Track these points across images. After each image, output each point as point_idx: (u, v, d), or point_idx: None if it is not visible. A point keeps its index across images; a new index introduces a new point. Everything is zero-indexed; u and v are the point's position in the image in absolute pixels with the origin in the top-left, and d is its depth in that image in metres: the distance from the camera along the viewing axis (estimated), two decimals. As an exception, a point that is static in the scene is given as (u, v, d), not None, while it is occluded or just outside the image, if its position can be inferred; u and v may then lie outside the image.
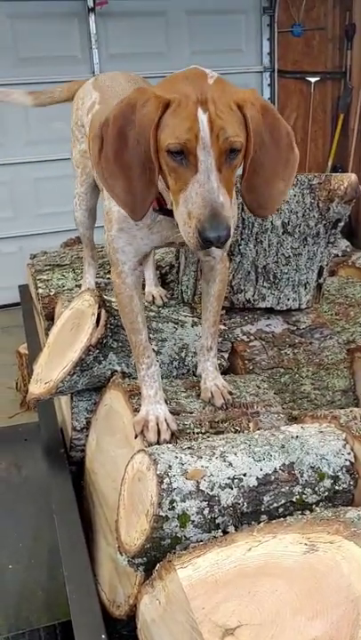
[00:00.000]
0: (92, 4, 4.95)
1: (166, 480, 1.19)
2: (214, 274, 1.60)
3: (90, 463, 1.83)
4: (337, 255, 2.90)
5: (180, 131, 1.14)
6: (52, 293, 2.37)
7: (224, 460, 1.26)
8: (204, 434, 1.52)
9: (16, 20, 4.89)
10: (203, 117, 1.13)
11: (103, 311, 1.72)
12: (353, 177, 1.95)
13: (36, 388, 1.81)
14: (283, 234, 1.92)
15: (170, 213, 1.36)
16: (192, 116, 1.14)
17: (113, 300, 1.85)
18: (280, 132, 1.27)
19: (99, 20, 5.05)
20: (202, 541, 1.19)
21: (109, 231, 1.46)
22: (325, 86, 6.09)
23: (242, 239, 1.92)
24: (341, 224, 2.01)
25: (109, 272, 2.50)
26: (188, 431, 1.51)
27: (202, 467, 1.23)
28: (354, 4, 5.72)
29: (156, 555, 1.19)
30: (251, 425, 1.56)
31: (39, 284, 2.41)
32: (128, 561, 1.23)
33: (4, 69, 4.92)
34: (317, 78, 5.97)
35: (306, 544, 1.08)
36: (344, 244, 3.08)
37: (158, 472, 1.20)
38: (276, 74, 5.75)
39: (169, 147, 1.15)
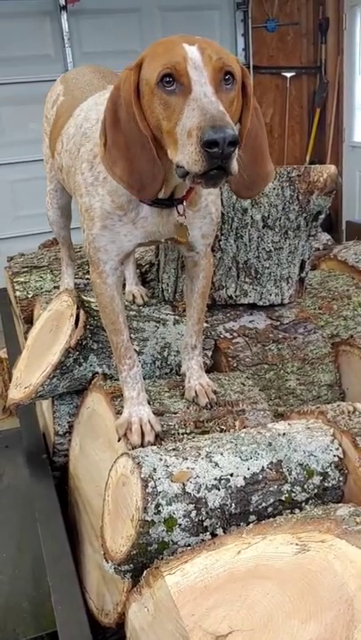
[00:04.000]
0: (63, 2, 4.89)
1: (151, 483, 1.15)
2: (198, 270, 1.56)
3: (73, 468, 1.78)
4: (318, 249, 2.87)
5: (165, 58, 1.08)
6: (30, 296, 2.32)
7: (210, 461, 1.22)
8: (189, 434, 1.48)
9: (-14, 19, 4.82)
10: (190, 47, 1.08)
11: (82, 312, 1.68)
12: (332, 168, 1.93)
13: (16, 393, 1.76)
14: (263, 228, 1.89)
15: (157, 203, 1.31)
16: (177, 47, 1.08)
17: (92, 300, 1.81)
18: (261, 119, 1.26)
19: (71, 18, 4.99)
20: (190, 545, 1.15)
21: (90, 230, 1.38)
22: (301, 81, 6.08)
23: (222, 234, 1.89)
24: (322, 216, 1.99)
25: (89, 272, 2.46)
26: (173, 432, 1.47)
27: (187, 468, 1.20)
28: (327, -2, 5.73)
29: (143, 561, 1.16)
30: (237, 423, 1.53)
31: (16, 287, 2.35)
32: (114, 568, 1.19)
33: (-23, 70, 4.86)
34: (293, 73, 5.96)
35: (297, 544, 1.05)
36: (325, 237, 3.06)
37: (143, 475, 1.16)
38: (251, 69, 5.73)
39: (159, 74, 1.07)
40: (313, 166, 1.91)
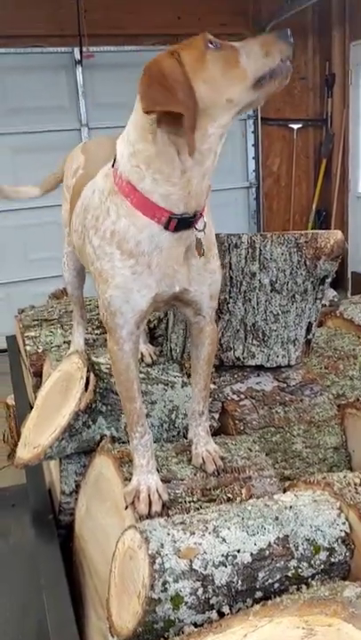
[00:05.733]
0: (79, 57, 5.08)
1: (158, 560, 1.16)
2: (203, 337, 1.58)
3: (79, 529, 1.78)
4: (324, 305, 2.90)
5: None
6: (39, 350, 2.35)
7: (217, 536, 1.23)
8: (195, 502, 1.49)
9: (6, 72, 5.01)
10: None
11: (92, 375, 1.70)
12: (339, 234, 1.98)
13: (25, 453, 1.77)
14: (271, 292, 1.93)
15: (181, 225, 1.34)
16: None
17: (102, 361, 1.84)
18: None
19: (85, 71, 5.18)
20: (195, 623, 1.15)
21: (104, 294, 1.40)
22: (307, 133, 6.24)
23: (230, 297, 1.93)
24: (329, 280, 2.03)
25: (98, 327, 2.50)
26: (180, 500, 1.48)
27: (195, 544, 1.20)
28: (333, 54, 5.92)
29: (149, 638, 1.15)
30: (243, 491, 1.53)
31: (27, 341, 2.39)
32: (120, 644, 1.19)
33: (-5, 120, 5.03)
34: (299, 125, 6.13)
35: (303, 628, 1.05)
36: (331, 293, 3.09)
37: (150, 552, 1.16)
38: (259, 121, 5.89)
39: (205, 40, 1.25)
40: (320, 232, 1.96)
